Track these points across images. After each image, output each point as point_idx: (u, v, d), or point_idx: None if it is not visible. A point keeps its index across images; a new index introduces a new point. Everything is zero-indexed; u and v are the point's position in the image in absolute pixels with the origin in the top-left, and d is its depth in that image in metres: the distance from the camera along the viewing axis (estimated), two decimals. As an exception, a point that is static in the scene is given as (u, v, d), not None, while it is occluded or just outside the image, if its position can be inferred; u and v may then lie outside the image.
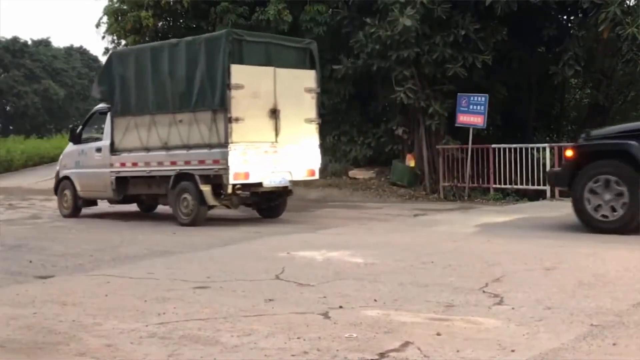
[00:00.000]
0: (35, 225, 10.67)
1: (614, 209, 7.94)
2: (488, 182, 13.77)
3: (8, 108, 58.88)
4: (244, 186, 9.94)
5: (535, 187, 13.23)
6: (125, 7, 18.49)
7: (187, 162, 10.18)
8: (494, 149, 13.75)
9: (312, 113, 10.88)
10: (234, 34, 10.24)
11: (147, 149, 10.69)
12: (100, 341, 3.97)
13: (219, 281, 5.65)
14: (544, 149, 13.69)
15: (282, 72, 10.31)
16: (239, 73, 9.73)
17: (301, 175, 10.75)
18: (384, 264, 6.32)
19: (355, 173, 16.50)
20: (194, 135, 10.06)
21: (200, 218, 10.15)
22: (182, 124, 10.19)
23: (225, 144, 9.66)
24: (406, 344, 3.78)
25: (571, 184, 8.32)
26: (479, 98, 13.58)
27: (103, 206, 12.99)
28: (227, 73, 9.62)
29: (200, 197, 9.96)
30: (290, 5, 16.57)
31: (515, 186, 13.51)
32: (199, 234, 9.12)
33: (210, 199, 9.95)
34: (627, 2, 13.16)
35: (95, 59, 66.20)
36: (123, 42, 19.19)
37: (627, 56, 12.97)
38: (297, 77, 10.60)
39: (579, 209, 8.23)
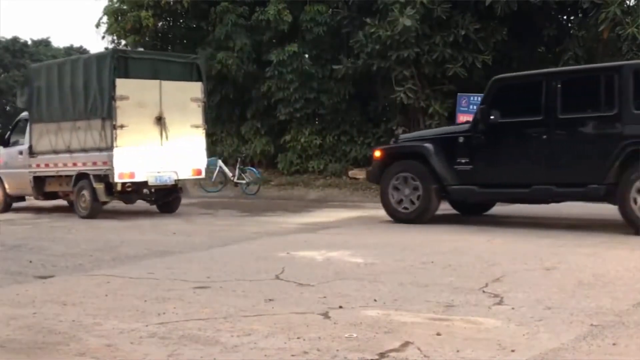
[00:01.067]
0: (35, 225, 10.67)
1: (412, 202, 9.45)
2: (488, 182, 13.75)
3: (8, 108, 58.85)
4: (135, 184, 11.48)
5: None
6: (125, 7, 18.50)
7: (84, 164, 11.68)
8: (494, 149, 13.74)
9: (199, 120, 12.17)
10: (119, 52, 12.39)
11: (56, 152, 12.18)
12: (100, 341, 3.97)
13: (219, 281, 5.65)
14: (544, 149, 13.67)
15: (167, 84, 11.71)
16: (124, 86, 11.19)
17: (187, 174, 12.18)
18: (384, 264, 6.32)
19: (355, 173, 16.50)
20: (89, 140, 11.55)
21: (95, 212, 11.56)
22: (80, 130, 11.68)
23: (111, 148, 11.11)
24: (406, 344, 3.78)
25: (378, 179, 9.87)
26: (479, 98, 13.57)
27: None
28: (112, 86, 11.12)
29: (94, 194, 11.43)
30: (290, 5, 16.59)
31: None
32: (199, 234, 9.12)
33: (102, 196, 11.44)
34: (627, 2, 13.16)
35: (95, 59, 66.18)
36: (123, 42, 19.21)
37: (627, 56, 12.95)
38: (183, 88, 11.97)
39: (385, 202, 9.74)
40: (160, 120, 11.53)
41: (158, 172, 11.53)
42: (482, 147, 9.04)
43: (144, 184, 11.52)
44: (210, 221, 10.99)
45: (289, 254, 6.95)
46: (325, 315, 4.45)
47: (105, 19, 19.17)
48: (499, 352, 3.61)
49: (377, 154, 9.99)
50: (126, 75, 11.35)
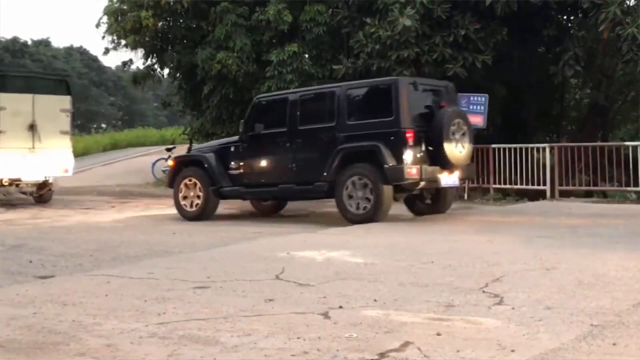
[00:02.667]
0: (35, 225, 10.67)
1: (196, 202, 11.16)
2: (488, 182, 13.77)
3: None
4: (11, 180, 13.98)
5: (536, 187, 13.23)
6: (125, 7, 18.50)
7: None
8: (494, 149, 13.75)
9: (67, 127, 14.63)
10: None
11: None
12: (100, 341, 3.97)
13: (219, 281, 5.65)
14: (544, 149, 13.69)
15: (40, 97, 14.21)
16: (1, 99, 13.76)
17: (56, 173, 14.52)
18: (384, 264, 6.32)
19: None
20: None
21: None
22: None
23: None
24: (406, 344, 3.78)
25: (172, 184, 11.60)
26: (479, 98, 13.59)
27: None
28: None
29: None
30: (290, 5, 16.58)
31: (515, 186, 13.52)
32: (199, 234, 9.12)
33: None
34: (627, 2, 13.16)
35: (95, 59, 66.24)
36: (123, 42, 19.21)
37: (627, 56, 12.96)
38: (54, 100, 14.39)
39: (175, 203, 11.44)
40: (32, 127, 13.99)
41: (30, 171, 13.99)
42: (246, 155, 10.94)
43: (18, 180, 14.07)
44: (210, 221, 10.99)
45: (289, 254, 6.95)
46: (325, 315, 4.45)
47: (105, 19, 19.18)
48: (499, 352, 3.61)
49: (171, 162, 12.16)
50: (4, 90, 13.93)
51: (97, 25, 19.78)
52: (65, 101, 14.63)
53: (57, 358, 3.73)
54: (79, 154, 30.28)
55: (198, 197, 11.09)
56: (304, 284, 5.44)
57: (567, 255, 6.49)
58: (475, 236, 8.10)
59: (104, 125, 64.60)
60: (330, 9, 16.55)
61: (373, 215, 9.47)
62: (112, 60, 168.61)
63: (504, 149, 13.64)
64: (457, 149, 9.63)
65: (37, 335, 4.15)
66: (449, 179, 9.71)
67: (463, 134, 9.77)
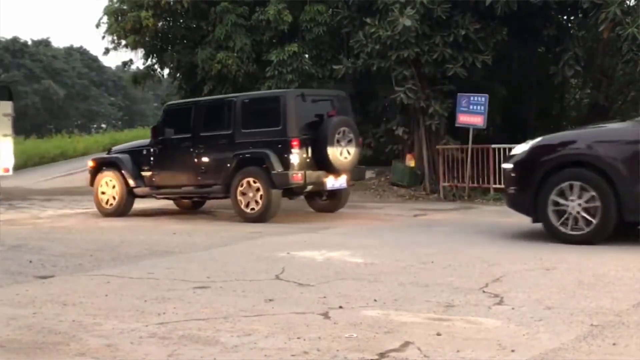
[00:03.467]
0: (35, 225, 10.66)
1: (112, 200, 11.89)
2: (488, 182, 13.75)
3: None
4: None
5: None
6: (125, 7, 18.48)
7: None
8: (494, 149, 13.74)
9: (8, 130, 16.21)
10: None
11: None
12: (100, 341, 3.98)
13: (219, 281, 5.65)
14: (544, 149, 13.65)
15: None
16: None
17: None
18: (384, 264, 6.32)
19: (354, 173, 16.53)
20: None
21: None
22: None
23: None
24: (406, 344, 3.78)
25: (92, 183, 12.24)
26: (479, 98, 13.57)
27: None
28: None
29: None
30: (290, 5, 16.57)
31: (515, 186, 13.48)
32: (199, 234, 9.12)
33: None
34: (627, 2, 13.15)
35: (95, 59, 66.25)
36: (123, 42, 19.19)
37: (627, 56, 12.94)
38: None
39: (95, 201, 12.17)
40: None
41: None
42: (156, 158, 11.62)
43: None
44: (210, 221, 10.99)
45: (289, 254, 6.95)
46: (325, 315, 4.46)
47: (105, 19, 19.14)
48: (499, 352, 3.61)
49: (91, 163, 12.57)
50: None
51: (97, 25, 19.76)
52: (7, 106, 16.35)
53: (57, 358, 3.73)
54: (79, 154, 30.35)
55: (114, 196, 11.89)
56: (304, 284, 5.45)
57: (567, 255, 6.49)
58: (475, 236, 8.10)
59: (104, 125, 64.60)
60: (330, 9, 16.53)
61: (262, 215, 10.31)
62: (112, 60, 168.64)
63: (504, 149, 13.61)
64: (342, 155, 10.45)
65: (37, 335, 4.15)
66: (335, 182, 10.54)
67: (349, 141, 10.53)
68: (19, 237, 9.00)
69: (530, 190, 7.60)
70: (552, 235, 7.49)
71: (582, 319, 4.20)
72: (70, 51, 67.83)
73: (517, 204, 8.03)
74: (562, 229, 7.39)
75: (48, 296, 5.21)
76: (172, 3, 17.94)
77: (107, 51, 20.28)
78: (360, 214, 11.29)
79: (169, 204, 12.89)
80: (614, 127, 8.23)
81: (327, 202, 11.43)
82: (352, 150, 10.58)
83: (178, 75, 20.22)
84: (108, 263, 6.80)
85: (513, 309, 4.49)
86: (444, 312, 4.48)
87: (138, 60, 24.78)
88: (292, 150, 10.15)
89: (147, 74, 20.76)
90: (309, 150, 10.38)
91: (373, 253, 6.89)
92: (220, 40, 17.16)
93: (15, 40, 61.78)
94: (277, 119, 10.35)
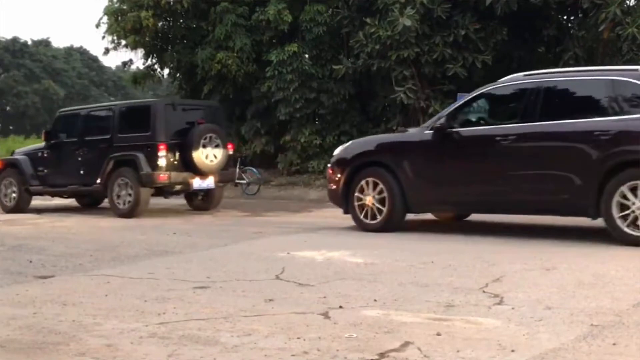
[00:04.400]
0: (35, 225, 10.67)
1: (12, 197, 13.19)
2: (488, 182, 13.73)
3: (8, 108, 58.89)
4: None
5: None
6: (125, 7, 18.48)
7: None
8: (494, 149, 13.72)
9: None
10: None
11: None
12: (100, 341, 3.98)
13: (219, 281, 5.65)
14: (544, 149, 13.66)
15: None
16: None
17: None
18: (384, 264, 6.32)
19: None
20: None
21: None
22: None
23: None
24: (406, 344, 3.78)
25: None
26: (479, 98, 13.55)
27: (104, 205, 13.22)
28: None
29: None
30: (290, 5, 16.57)
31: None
32: (199, 234, 9.12)
33: None
34: (627, 2, 13.15)
35: (95, 59, 66.29)
36: (123, 42, 19.20)
37: (627, 56, 12.94)
38: None
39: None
40: None
41: None
42: (48, 159, 12.97)
43: None
44: (210, 221, 10.99)
45: (289, 254, 6.95)
46: (325, 315, 4.46)
47: (105, 19, 19.15)
48: (499, 352, 3.61)
49: None
50: None
51: (97, 26, 19.77)
52: None
53: (57, 358, 3.73)
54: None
55: (14, 193, 13.15)
56: (304, 284, 5.45)
57: (567, 255, 6.49)
58: (475, 236, 8.09)
59: None
60: (330, 9, 16.54)
61: (132, 210, 11.49)
62: (112, 60, 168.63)
63: (504, 149, 13.61)
64: (208, 159, 11.78)
65: (37, 335, 4.15)
66: (202, 182, 11.87)
67: (216, 146, 11.89)
68: (19, 237, 9.00)
69: (341, 186, 8.90)
70: (358, 226, 8.81)
71: (582, 319, 4.20)
72: (70, 51, 67.82)
73: (333, 199, 9.30)
74: (364, 219, 8.74)
75: (48, 296, 5.21)
76: (172, 3, 17.94)
77: (107, 51, 20.30)
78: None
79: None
80: (405, 133, 9.32)
81: (202, 201, 12.72)
82: (219, 154, 11.92)
83: (178, 75, 20.23)
84: (108, 263, 6.80)
85: (513, 309, 4.49)
86: (444, 312, 4.48)
87: (138, 60, 24.81)
88: (159, 154, 11.48)
89: (147, 74, 20.77)
90: (177, 153, 11.72)
91: (373, 253, 6.89)
92: (220, 40, 17.16)
93: (15, 40, 61.79)
94: (147, 126, 11.68)
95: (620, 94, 7.39)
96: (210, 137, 11.81)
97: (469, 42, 14.03)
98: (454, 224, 9.49)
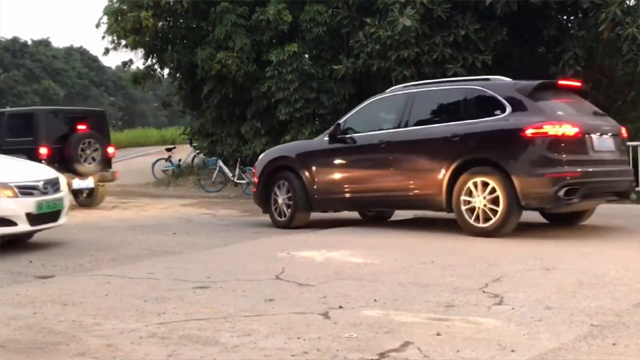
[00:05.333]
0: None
1: None
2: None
3: (8, 108, 58.77)
4: None
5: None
6: (125, 7, 18.49)
7: None
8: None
9: None
10: None
11: None
12: (100, 341, 3.98)
13: (219, 281, 5.65)
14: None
15: None
16: None
17: None
18: (384, 264, 6.32)
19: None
20: None
21: None
22: None
23: None
24: (406, 344, 3.78)
25: None
26: (479, 98, 13.56)
27: (103, 206, 13.20)
28: None
29: None
30: (290, 5, 16.58)
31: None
32: (199, 234, 9.12)
33: None
34: (627, 2, 13.15)
35: (95, 59, 66.32)
36: (123, 42, 19.21)
37: (627, 56, 12.95)
38: None
39: None
40: None
41: None
42: None
43: None
44: (210, 221, 10.99)
45: (289, 254, 6.95)
46: (325, 315, 4.46)
47: (105, 19, 19.16)
48: (499, 352, 3.61)
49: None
50: None
51: (97, 26, 19.78)
52: None
53: (57, 358, 3.73)
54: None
55: None
56: (304, 284, 5.45)
57: (567, 255, 6.49)
58: (475, 236, 8.09)
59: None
60: (330, 9, 16.54)
61: None
62: (112, 60, 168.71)
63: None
64: (87, 162, 13.10)
65: (37, 335, 4.15)
66: (81, 182, 13.02)
67: (95, 150, 13.20)
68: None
69: (261, 188, 9.88)
70: (273, 223, 9.71)
71: (582, 319, 4.20)
72: (70, 51, 67.85)
73: (256, 200, 10.11)
74: (277, 217, 9.68)
75: (48, 296, 5.21)
76: (172, 3, 17.95)
77: (107, 51, 20.32)
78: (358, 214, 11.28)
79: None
80: (310, 140, 10.91)
81: (86, 199, 13.80)
82: (97, 157, 13.23)
83: (178, 75, 20.24)
84: (108, 263, 6.80)
85: (513, 309, 4.49)
86: (444, 312, 4.48)
87: (138, 60, 24.82)
88: (40, 156, 12.45)
89: (147, 74, 20.78)
90: (58, 156, 12.79)
91: (373, 253, 6.89)
92: (220, 40, 17.16)
93: (15, 40, 61.79)
94: (30, 131, 12.95)
95: (473, 101, 8.43)
96: (89, 142, 13.19)
97: (469, 42, 14.04)
98: (454, 224, 9.49)
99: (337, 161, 9.32)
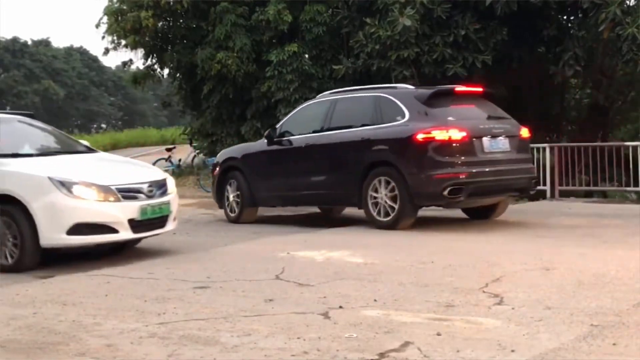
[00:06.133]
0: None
1: None
2: (488, 182, 13.73)
3: (8, 108, 58.85)
4: None
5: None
6: (125, 7, 18.48)
7: None
8: (494, 149, 13.72)
9: None
10: None
11: None
12: (100, 341, 3.98)
13: (219, 281, 5.65)
14: (544, 149, 13.67)
15: None
16: None
17: None
18: (384, 264, 6.32)
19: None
20: None
21: None
22: None
23: None
24: (406, 344, 3.78)
25: None
26: (479, 98, 13.54)
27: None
28: None
29: None
30: (290, 5, 16.56)
31: (515, 186, 13.47)
32: (198, 234, 9.12)
33: None
34: (627, 2, 13.14)
35: (95, 59, 66.31)
36: (123, 42, 19.20)
37: (627, 56, 12.93)
38: None
39: None
40: None
41: None
42: None
43: None
44: (210, 221, 10.99)
45: (289, 254, 6.95)
46: (325, 315, 4.46)
47: (105, 19, 19.15)
48: (499, 352, 3.61)
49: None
50: None
51: (97, 26, 19.77)
52: None
53: (57, 358, 3.73)
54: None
55: None
56: (304, 284, 5.45)
57: (567, 255, 6.49)
58: (475, 236, 8.10)
59: (104, 126, 64.65)
60: (330, 9, 16.52)
61: None
62: (112, 60, 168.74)
63: (504, 149, 13.61)
64: None
65: (37, 335, 4.15)
66: None
67: None
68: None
69: (216, 187, 10.81)
70: (226, 218, 10.55)
71: (582, 319, 4.20)
72: (70, 51, 67.84)
73: (214, 197, 11.01)
74: (230, 213, 10.52)
75: (48, 296, 5.21)
76: (172, 3, 17.93)
77: (107, 51, 20.30)
78: (358, 214, 11.28)
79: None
80: (254, 143, 11.70)
81: None
82: None
83: (178, 75, 20.22)
84: (108, 263, 6.80)
85: (513, 309, 4.49)
86: (444, 312, 4.48)
87: (138, 60, 24.83)
88: None
89: (147, 74, 20.77)
90: None
91: (373, 253, 6.89)
92: (220, 40, 17.15)
93: (15, 40, 61.80)
94: None
95: (380, 107, 9.20)
96: None
97: (469, 42, 14.02)
98: (454, 224, 9.49)
99: (273, 162, 10.20)
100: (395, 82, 14.50)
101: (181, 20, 18.99)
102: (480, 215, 9.62)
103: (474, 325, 4.13)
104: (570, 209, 10.90)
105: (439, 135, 8.44)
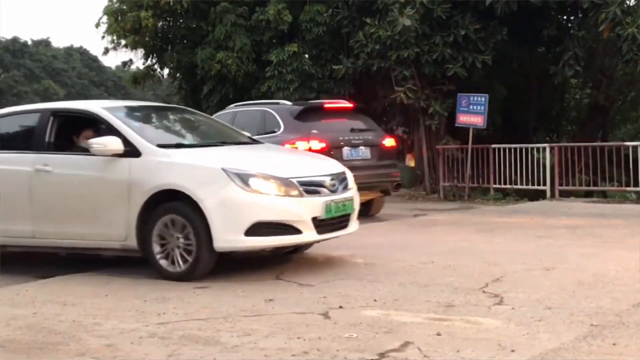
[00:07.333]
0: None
1: None
2: (488, 182, 13.75)
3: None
4: None
5: (536, 187, 13.22)
6: (125, 7, 18.50)
7: None
8: (494, 149, 13.74)
9: None
10: None
11: None
12: (100, 341, 3.98)
13: (219, 281, 5.65)
14: (544, 149, 13.68)
15: None
16: None
17: None
18: (384, 264, 6.31)
19: (354, 173, 16.61)
20: None
21: None
22: None
23: None
24: (406, 344, 3.78)
25: None
26: (479, 98, 13.56)
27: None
28: None
29: None
30: (290, 5, 16.58)
31: (515, 186, 13.50)
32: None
33: None
34: (627, 2, 13.16)
35: (95, 59, 66.29)
36: (123, 42, 19.21)
37: (627, 56, 12.94)
38: None
39: None
40: None
41: None
42: None
43: None
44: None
45: (289, 254, 6.94)
46: (325, 315, 4.46)
47: (105, 19, 19.18)
48: (499, 352, 3.61)
49: None
50: None
51: (97, 25, 19.79)
52: None
53: (57, 358, 3.73)
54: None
55: None
56: (304, 284, 5.45)
57: (567, 255, 6.49)
58: (475, 236, 8.10)
59: (104, 125, 64.25)
60: (330, 9, 16.54)
61: None
62: (112, 60, 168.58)
63: (504, 149, 13.63)
64: None
65: (37, 335, 4.15)
66: None
67: None
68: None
69: None
70: None
71: (582, 319, 4.20)
72: (70, 51, 67.84)
73: None
74: None
75: (48, 296, 5.21)
76: (172, 3, 17.95)
77: (107, 51, 20.33)
78: (358, 214, 11.28)
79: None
80: None
81: None
82: None
83: (178, 75, 20.24)
84: (108, 263, 6.79)
85: (513, 309, 4.49)
86: (444, 312, 4.48)
87: (138, 60, 24.77)
88: None
89: (147, 74, 20.78)
90: None
91: (373, 253, 6.89)
92: (220, 40, 17.16)
93: (15, 40, 61.79)
94: None
95: (265, 121, 10.25)
96: None
97: (469, 42, 14.03)
98: (454, 224, 9.49)
99: None
100: (395, 82, 14.57)
101: (181, 20, 19.01)
102: (360, 213, 9.81)
103: (474, 325, 4.13)
104: (570, 209, 10.89)
105: (302, 145, 9.46)
